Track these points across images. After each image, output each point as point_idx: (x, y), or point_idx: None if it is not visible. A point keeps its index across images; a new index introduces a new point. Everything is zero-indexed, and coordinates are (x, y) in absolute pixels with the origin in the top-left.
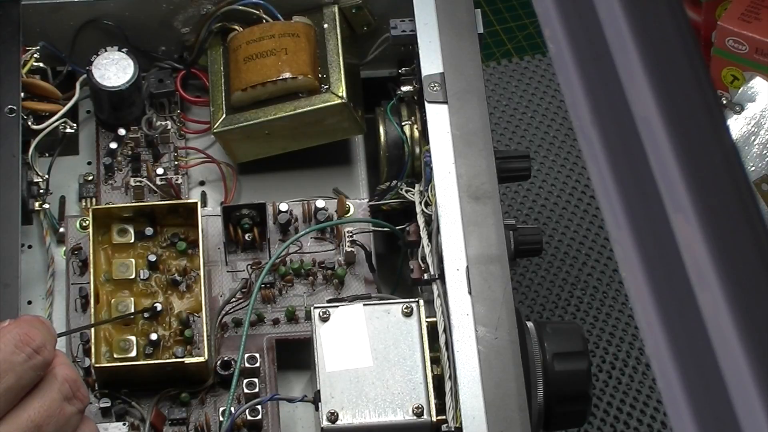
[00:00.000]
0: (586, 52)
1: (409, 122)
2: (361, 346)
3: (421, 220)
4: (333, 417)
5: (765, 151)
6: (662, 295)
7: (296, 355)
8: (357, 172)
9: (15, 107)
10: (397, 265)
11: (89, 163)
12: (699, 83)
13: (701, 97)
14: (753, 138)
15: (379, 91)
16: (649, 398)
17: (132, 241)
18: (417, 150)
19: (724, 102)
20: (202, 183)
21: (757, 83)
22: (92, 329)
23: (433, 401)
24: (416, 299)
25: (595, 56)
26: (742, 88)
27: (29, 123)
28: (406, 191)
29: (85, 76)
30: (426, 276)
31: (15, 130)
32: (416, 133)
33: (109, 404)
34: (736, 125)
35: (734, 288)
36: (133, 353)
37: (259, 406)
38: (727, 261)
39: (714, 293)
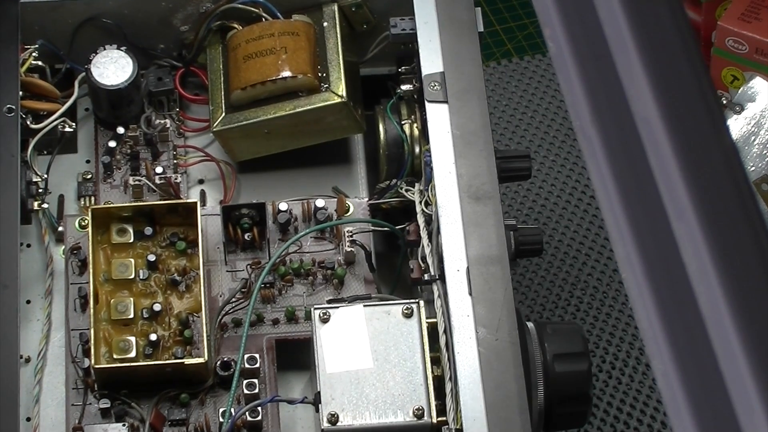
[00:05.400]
0: (586, 52)
1: (409, 121)
2: (362, 347)
3: (421, 219)
4: (333, 419)
5: (765, 151)
6: (662, 296)
7: (296, 356)
8: (356, 171)
9: (14, 106)
10: (397, 265)
11: (88, 162)
12: (699, 83)
13: (701, 97)
14: (753, 138)
15: (378, 88)
16: (649, 398)
17: (131, 240)
18: (417, 149)
19: (724, 102)
20: (201, 181)
21: (757, 83)
22: (92, 329)
23: (433, 403)
24: (416, 300)
25: (595, 56)
26: (742, 88)
27: (28, 122)
28: (406, 190)
29: (83, 74)
30: (426, 276)
31: (14, 129)
32: (416, 132)
33: (108, 405)
34: (736, 125)
35: (734, 287)
36: (133, 354)
37: (259, 407)
38: (727, 261)
39: (714, 293)
